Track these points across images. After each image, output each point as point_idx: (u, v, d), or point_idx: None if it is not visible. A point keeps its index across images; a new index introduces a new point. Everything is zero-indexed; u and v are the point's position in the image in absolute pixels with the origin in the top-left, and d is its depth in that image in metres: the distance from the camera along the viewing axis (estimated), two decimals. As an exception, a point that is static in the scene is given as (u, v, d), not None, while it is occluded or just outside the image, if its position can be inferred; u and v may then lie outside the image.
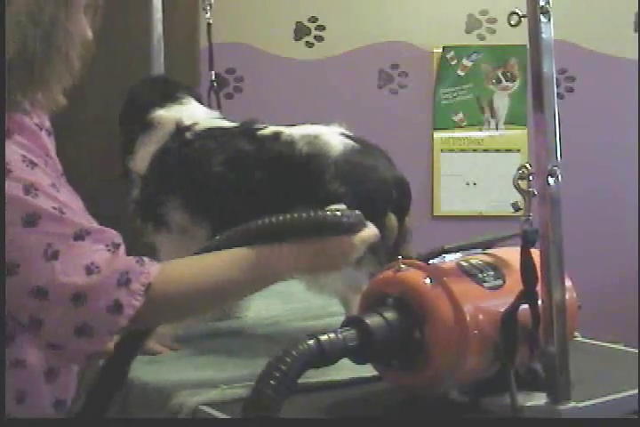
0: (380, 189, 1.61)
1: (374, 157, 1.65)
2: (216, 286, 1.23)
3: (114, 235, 1.19)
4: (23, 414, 1.23)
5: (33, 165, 1.15)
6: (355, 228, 1.28)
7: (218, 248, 1.26)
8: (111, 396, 1.30)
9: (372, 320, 1.17)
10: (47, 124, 1.31)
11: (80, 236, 1.14)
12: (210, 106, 2.11)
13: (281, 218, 1.24)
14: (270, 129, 1.69)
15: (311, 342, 1.10)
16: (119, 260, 1.16)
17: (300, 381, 1.09)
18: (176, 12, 2.86)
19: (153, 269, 1.17)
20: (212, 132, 1.73)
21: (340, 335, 1.13)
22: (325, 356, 1.11)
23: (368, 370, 1.30)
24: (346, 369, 1.28)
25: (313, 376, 1.21)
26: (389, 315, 1.18)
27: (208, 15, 2.27)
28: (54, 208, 1.14)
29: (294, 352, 1.08)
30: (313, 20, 3.41)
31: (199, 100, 1.90)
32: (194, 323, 1.79)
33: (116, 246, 1.17)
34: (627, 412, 1.24)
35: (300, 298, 1.77)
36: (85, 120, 2.84)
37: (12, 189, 1.12)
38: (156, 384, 1.46)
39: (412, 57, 3.43)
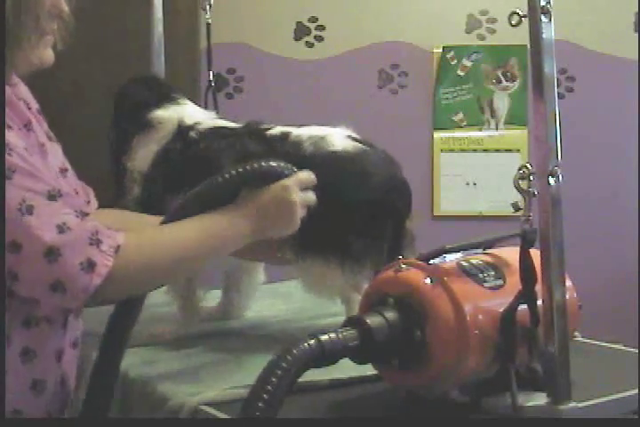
0: (378, 192, 1.62)
1: (378, 161, 1.65)
2: (173, 256, 1.26)
3: (82, 204, 1.23)
4: None
5: (8, 127, 1.17)
6: (282, 171, 1.33)
7: (176, 218, 1.30)
8: (109, 391, 1.31)
9: (373, 320, 1.17)
10: (35, 105, 1.32)
11: (53, 196, 1.16)
12: (206, 106, 2.11)
13: (207, 184, 1.31)
14: (278, 129, 1.70)
15: (312, 341, 1.10)
16: (88, 223, 1.18)
17: (300, 380, 1.09)
18: (176, 12, 2.87)
19: (119, 235, 1.19)
20: (218, 132, 1.74)
21: (340, 335, 1.13)
22: (326, 355, 1.11)
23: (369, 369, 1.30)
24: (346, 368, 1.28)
25: (313, 375, 1.21)
26: (390, 315, 1.18)
27: (208, 15, 2.27)
28: (28, 167, 1.15)
29: (295, 351, 1.08)
30: (313, 20, 3.41)
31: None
32: (194, 323, 1.80)
33: (84, 215, 1.19)
34: (627, 412, 1.24)
35: (301, 298, 1.77)
36: (85, 119, 2.84)
37: None
38: (155, 384, 1.46)
39: (412, 57, 3.43)
